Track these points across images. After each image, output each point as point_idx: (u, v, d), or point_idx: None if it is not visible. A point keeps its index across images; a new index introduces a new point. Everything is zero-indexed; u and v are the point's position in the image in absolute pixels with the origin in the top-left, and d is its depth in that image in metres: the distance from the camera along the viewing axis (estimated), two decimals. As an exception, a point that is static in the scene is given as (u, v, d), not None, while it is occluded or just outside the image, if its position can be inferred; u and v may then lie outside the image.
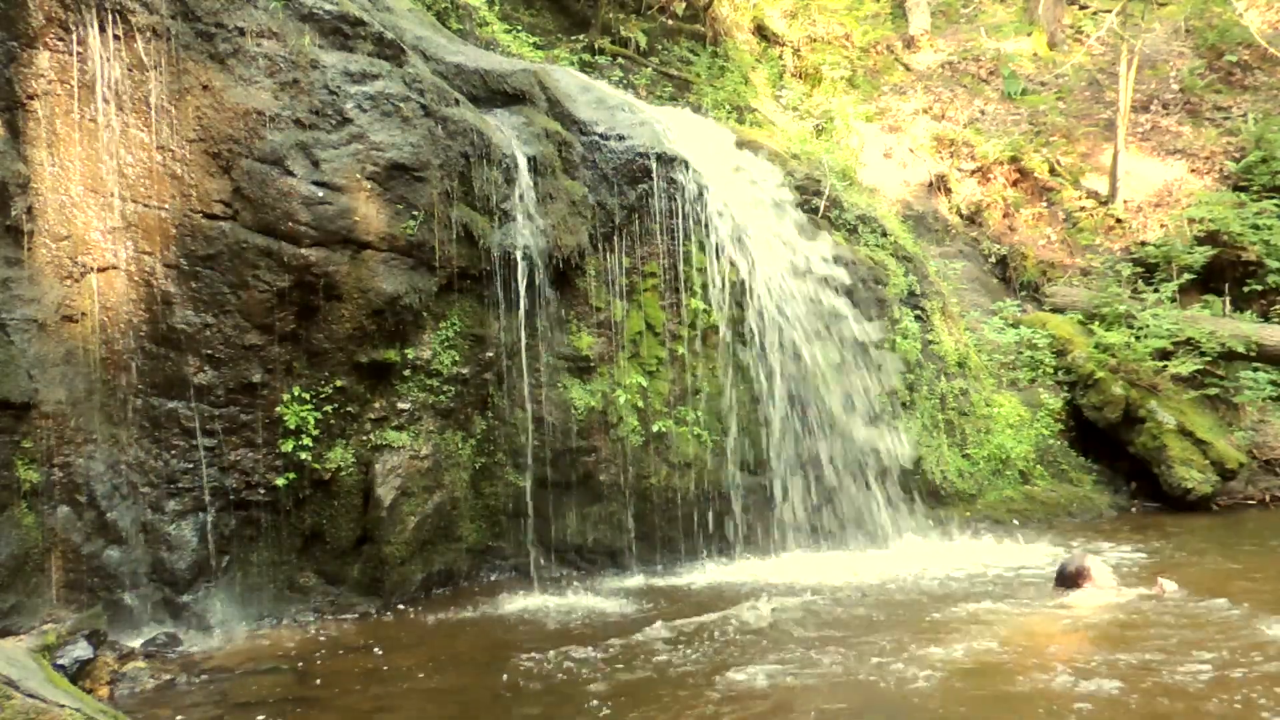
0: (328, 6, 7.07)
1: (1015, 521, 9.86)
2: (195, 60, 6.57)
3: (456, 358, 7.43)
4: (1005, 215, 14.50)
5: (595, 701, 4.82)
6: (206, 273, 6.54)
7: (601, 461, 7.95)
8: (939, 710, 4.66)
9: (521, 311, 7.65)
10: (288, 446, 6.70)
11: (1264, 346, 11.86)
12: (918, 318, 10.23)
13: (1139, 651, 5.36)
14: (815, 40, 15.06)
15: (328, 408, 6.87)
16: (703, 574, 7.94)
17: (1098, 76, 17.29)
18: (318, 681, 5.41)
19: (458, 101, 7.52)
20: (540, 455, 7.74)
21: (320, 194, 6.69)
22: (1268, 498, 11.19)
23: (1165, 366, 11.25)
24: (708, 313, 8.47)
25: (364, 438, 7.05)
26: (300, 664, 5.72)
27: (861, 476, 8.91)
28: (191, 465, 6.56)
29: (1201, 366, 11.39)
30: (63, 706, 3.57)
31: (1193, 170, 15.23)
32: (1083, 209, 14.66)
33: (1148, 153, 15.65)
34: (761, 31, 14.64)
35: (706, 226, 8.51)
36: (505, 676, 5.33)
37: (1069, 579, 6.82)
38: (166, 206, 6.50)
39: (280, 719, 4.86)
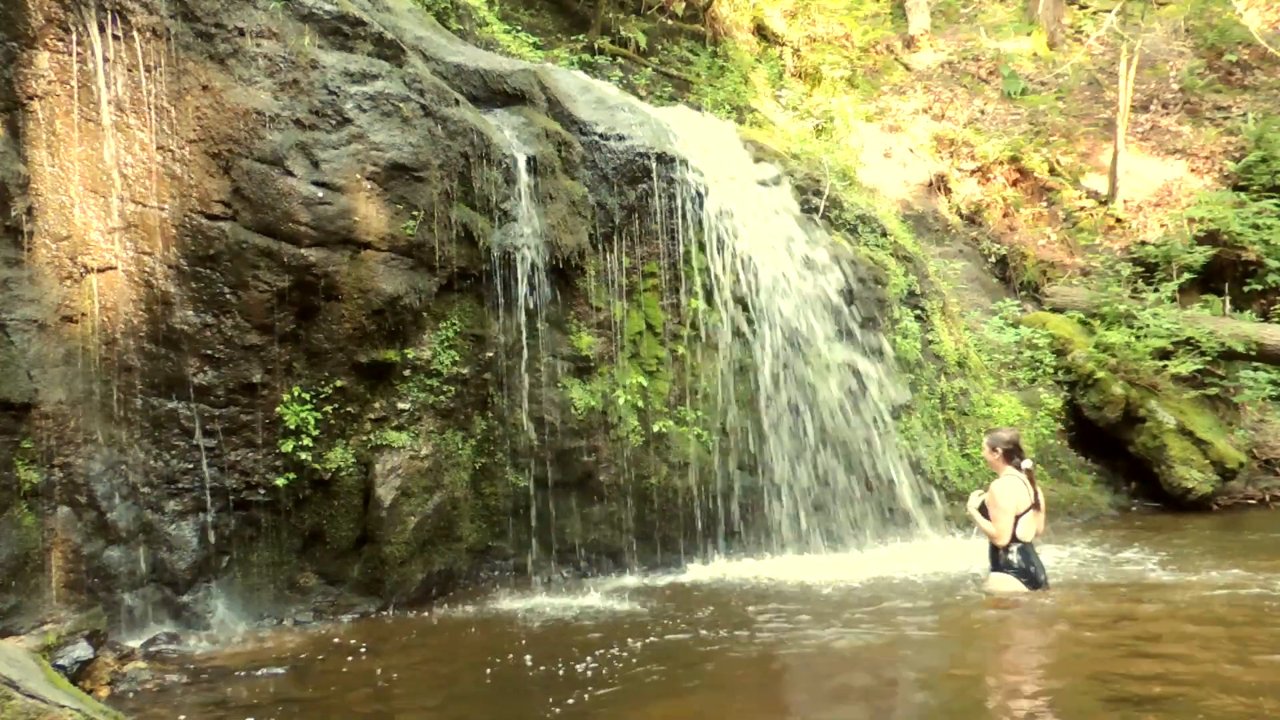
0: (328, 6, 7.06)
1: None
2: (195, 60, 6.57)
3: (456, 358, 7.42)
4: (1005, 215, 14.50)
5: (598, 701, 4.81)
6: (206, 273, 6.54)
7: (601, 461, 7.95)
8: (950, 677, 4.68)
9: (521, 311, 7.65)
10: (288, 447, 6.70)
11: (1264, 346, 11.87)
12: (918, 318, 10.23)
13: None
14: (815, 40, 15.07)
15: (328, 408, 6.87)
16: (703, 573, 7.94)
17: (1098, 76, 17.30)
18: (318, 682, 5.40)
19: (458, 101, 7.52)
20: (540, 455, 7.74)
21: (320, 194, 6.68)
22: (1268, 497, 11.21)
23: (1165, 366, 11.26)
24: (708, 313, 8.47)
25: (364, 438, 7.04)
26: (300, 664, 5.71)
27: (861, 477, 8.92)
28: (191, 465, 6.55)
29: (1201, 366, 11.40)
30: (63, 707, 3.56)
31: (1193, 170, 15.24)
32: (1083, 209, 14.67)
33: (1147, 152, 15.66)
34: (761, 31, 14.64)
35: (706, 226, 8.51)
36: (506, 676, 5.33)
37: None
38: (166, 206, 6.50)
39: (280, 719, 4.86)
